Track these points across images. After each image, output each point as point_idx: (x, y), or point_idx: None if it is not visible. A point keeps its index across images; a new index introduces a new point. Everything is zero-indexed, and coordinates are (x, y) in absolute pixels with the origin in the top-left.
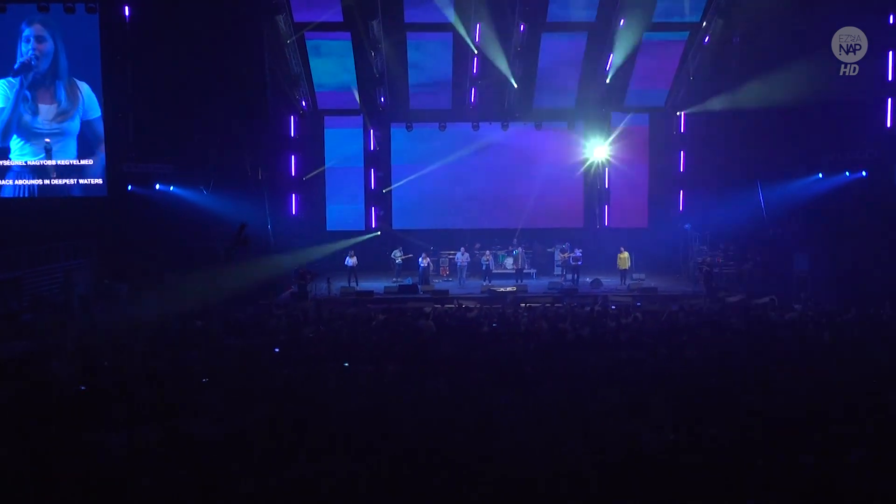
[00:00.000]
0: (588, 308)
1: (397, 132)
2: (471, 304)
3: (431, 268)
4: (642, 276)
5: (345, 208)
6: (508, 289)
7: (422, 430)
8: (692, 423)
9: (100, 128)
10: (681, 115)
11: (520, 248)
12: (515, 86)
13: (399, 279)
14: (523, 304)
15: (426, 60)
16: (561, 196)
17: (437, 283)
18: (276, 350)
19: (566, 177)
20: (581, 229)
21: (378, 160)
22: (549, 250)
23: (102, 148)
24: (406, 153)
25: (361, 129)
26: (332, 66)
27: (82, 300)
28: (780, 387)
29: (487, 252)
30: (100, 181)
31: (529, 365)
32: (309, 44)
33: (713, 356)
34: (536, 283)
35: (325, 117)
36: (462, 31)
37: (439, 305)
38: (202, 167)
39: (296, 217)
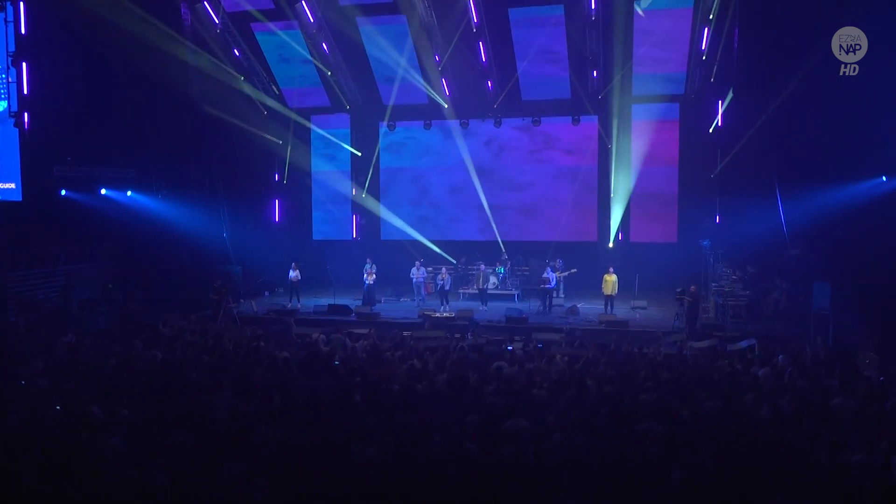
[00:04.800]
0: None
1: (383, 132)
2: (363, 332)
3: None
4: (643, 303)
5: (332, 216)
6: (445, 314)
7: None
8: None
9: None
10: (718, 104)
11: (482, 266)
12: (486, 71)
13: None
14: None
15: (385, 49)
16: (570, 204)
17: (394, 302)
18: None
19: (576, 181)
20: (595, 244)
21: (361, 162)
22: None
23: (16, 152)
24: (394, 155)
25: (349, 130)
26: (288, 59)
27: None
28: None
29: (443, 270)
30: (12, 185)
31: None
32: (258, 36)
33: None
34: (498, 308)
35: (312, 117)
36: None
37: (338, 333)
38: (147, 172)
39: (279, 224)
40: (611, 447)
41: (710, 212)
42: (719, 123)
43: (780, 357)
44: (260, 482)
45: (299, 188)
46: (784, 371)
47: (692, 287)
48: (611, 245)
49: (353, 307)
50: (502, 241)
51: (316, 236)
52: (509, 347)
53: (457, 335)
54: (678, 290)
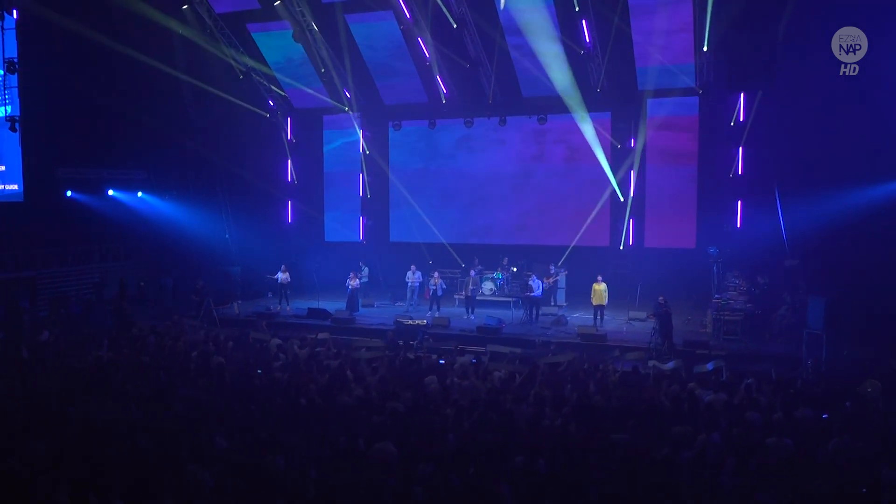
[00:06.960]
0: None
1: (390, 132)
2: (311, 337)
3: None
4: (642, 314)
5: (343, 217)
6: (418, 321)
7: None
8: None
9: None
10: (740, 98)
11: (472, 271)
12: (479, 68)
13: (366, 300)
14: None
15: (379, 47)
16: (580, 207)
17: (388, 307)
18: None
19: (586, 182)
20: (607, 248)
21: (369, 163)
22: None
23: (18, 153)
24: (401, 155)
25: (358, 130)
26: (287, 59)
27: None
28: None
29: (435, 274)
30: (15, 187)
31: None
32: (255, 36)
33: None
34: (485, 315)
35: (325, 118)
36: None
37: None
38: (156, 173)
39: (291, 226)
40: (465, 484)
41: (732, 215)
42: (741, 118)
43: (748, 381)
44: (62, 497)
45: (312, 189)
46: (734, 399)
47: (660, 298)
48: (621, 248)
49: (333, 312)
50: (507, 245)
51: (328, 238)
52: (441, 361)
53: (400, 343)
54: (661, 299)
